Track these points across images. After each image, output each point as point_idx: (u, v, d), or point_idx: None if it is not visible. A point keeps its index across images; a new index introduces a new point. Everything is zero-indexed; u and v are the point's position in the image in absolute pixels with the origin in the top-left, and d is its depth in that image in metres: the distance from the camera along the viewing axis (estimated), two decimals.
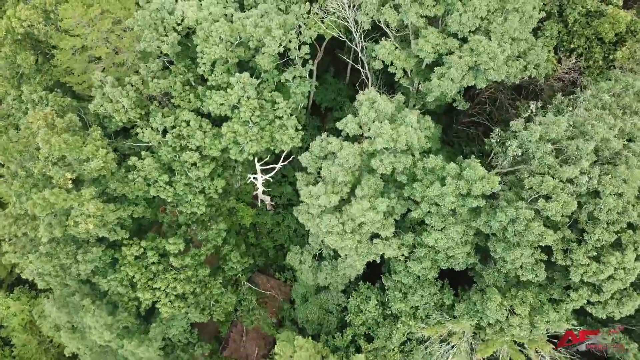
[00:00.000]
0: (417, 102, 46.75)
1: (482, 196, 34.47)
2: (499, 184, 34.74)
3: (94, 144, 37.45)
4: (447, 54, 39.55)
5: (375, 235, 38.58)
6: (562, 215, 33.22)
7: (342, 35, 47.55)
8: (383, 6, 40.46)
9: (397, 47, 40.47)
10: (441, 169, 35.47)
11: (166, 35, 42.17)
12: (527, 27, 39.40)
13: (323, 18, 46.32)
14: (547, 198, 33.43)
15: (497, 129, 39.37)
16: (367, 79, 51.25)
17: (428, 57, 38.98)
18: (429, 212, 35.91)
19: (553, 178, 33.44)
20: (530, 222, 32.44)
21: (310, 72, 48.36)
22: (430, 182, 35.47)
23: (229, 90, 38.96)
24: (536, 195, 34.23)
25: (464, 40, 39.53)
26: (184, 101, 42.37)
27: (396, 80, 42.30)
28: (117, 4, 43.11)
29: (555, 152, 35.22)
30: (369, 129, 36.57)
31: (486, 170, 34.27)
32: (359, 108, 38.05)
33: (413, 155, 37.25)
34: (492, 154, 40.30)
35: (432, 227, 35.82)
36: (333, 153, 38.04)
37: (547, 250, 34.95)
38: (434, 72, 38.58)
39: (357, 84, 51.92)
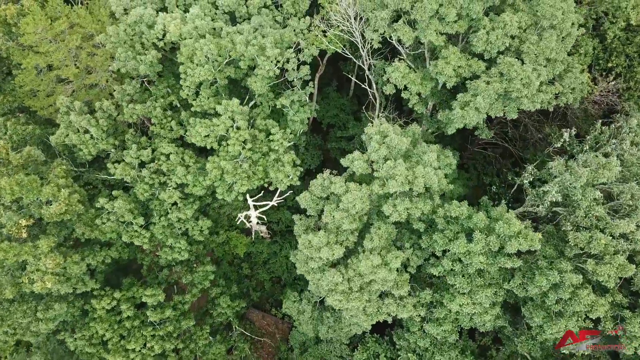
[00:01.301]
0: (430, 126, 40.95)
1: (517, 253, 28.66)
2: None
3: (55, 182, 31.68)
4: (471, 78, 33.78)
5: (387, 293, 32.79)
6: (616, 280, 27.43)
7: (347, 52, 41.77)
8: (395, 21, 34.68)
9: (412, 69, 34.66)
10: (467, 219, 29.64)
11: (145, 52, 36.41)
12: (564, 47, 33.54)
13: (325, 31, 40.61)
14: (597, 257, 27.62)
15: (529, 167, 33.50)
16: (375, 99, 45.49)
17: (449, 82, 33.16)
18: (451, 269, 30.09)
19: (603, 233, 27.62)
20: (578, 289, 26.63)
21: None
22: (453, 234, 29.66)
23: (214, 119, 33.15)
24: (581, 252, 28.45)
25: (490, 61, 33.76)
26: (165, 129, 36.58)
27: (410, 106, 36.50)
28: (88, 16, 37.37)
29: (603, 198, 29.44)
30: (380, 168, 30.80)
31: (522, 224, 28.38)
32: (367, 142, 32.28)
33: (432, 199, 31.44)
34: (524, 194, 34.54)
35: (456, 289, 29.96)
36: (335, 193, 32.30)
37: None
38: (456, 100, 32.74)
39: (364, 106, 46.21)
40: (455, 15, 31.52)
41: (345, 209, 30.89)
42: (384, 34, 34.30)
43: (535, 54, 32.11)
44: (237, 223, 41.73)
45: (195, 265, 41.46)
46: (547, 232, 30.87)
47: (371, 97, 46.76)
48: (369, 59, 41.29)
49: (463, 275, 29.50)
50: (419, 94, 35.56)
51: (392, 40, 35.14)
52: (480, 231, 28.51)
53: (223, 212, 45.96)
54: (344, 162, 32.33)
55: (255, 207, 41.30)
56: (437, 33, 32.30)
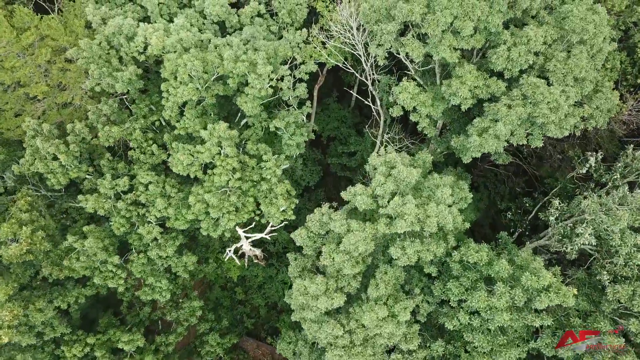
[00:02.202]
0: (439, 146, 37.02)
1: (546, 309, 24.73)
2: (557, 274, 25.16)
3: (17, 217, 27.80)
4: (489, 100, 29.87)
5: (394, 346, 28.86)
6: None
7: (348, 67, 37.90)
8: (402, 33, 30.76)
9: (421, 89, 30.72)
10: (486, 266, 25.71)
11: (123, 68, 32.50)
12: (594, 64, 29.60)
13: (324, 43, 36.73)
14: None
15: (556, 202, 29.51)
16: (379, 116, 41.58)
17: (464, 104, 29.24)
18: (469, 324, 26.13)
19: None
20: (619, 357, 22.73)
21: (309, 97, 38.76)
22: (471, 282, 25.73)
23: (198, 146, 29.24)
24: (619, 304, 24.55)
25: (510, 80, 29.84)
26: (146, 154, 32.67)
27: (419, 129, 32.57)
28: (60, 27, 33.46)
29: None
30: (386, 204, 26.91)
31: (552, 274, 24.40)
32: (371, 174, 28.38)
33: (445, 239, 27.52)
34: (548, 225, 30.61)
35: (475, 348, 25.99)
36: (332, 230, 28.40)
37: None
38: (472, 125, 28.80)
39: (367, 125, 42.28)
40: (471, 29, 27.61)
41: (346, 251, 27.00)
42: (390, 48, 30.37)
43: (563, 73, 28.18)
44: (225, 259, 37.76)
45: (181, 300, 37.55)
46: (578, 278, 26.94)
47: (375, 113, 42.90)
48: (373, 73, 37.42)
49: (482, 332, 25.54)
50: (429, 116, 31.62)
51: (400, 55, 31.24)
52: (503, 282, 24.57)
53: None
54: (344, 195, 28.40)
55: (247, 237, 37.41)
56: (451, 49, 28.36)
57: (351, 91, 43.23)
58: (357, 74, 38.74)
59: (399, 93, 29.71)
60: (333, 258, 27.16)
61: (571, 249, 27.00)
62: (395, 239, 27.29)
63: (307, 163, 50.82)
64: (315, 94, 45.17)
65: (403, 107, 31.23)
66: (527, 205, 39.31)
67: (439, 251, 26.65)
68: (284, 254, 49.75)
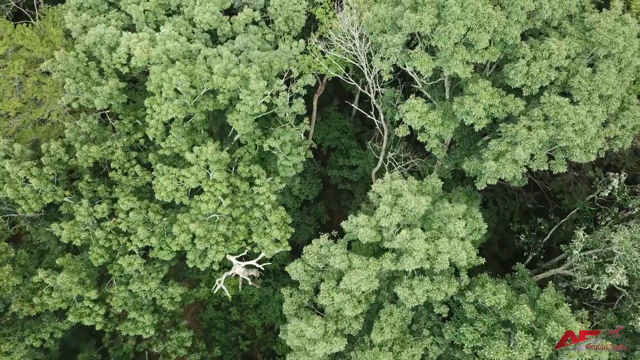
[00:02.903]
0: (447, 162, 34.19)
1: None
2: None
3: None
4: (506, 119, 27.05)
5: None
6: None
7: (350, 79, 35.08)
8: (409, 44, 27.87)
9: (430, 107, 27.87)
10: (505, 309, 22.87)
11: (103, 83, 29.69)
12: (622, 80, 26.72)
13: (324, 52, 33.94)
14: None
15: (581, 233, 26.62)
16: (382, 131, 38.77)
17: (478, 124, 26.42)
18: None
19: None
20: None
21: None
22: (487, 328, 22.89)
23: (183, 170, 26.42)
24: None
25: (529, 97, 27.00)
26: (128, 175, 29.87)
27: (428, 149, 29.74)
28: (36, 37, 30.66)
29: None
30: (392, 237, 24.11)
31: (581, 322, 21.54)
32: (375, 202, 25.55)
33: (458, 277, 24.69)
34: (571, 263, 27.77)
35: None
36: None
37: None
38: (487, 149, 25.94)
39: (370, 141, 39.48)
40: (487, 42, 24.78)
41: (347, 290, 24.19)
42: (396, 62, 27.54)
43: (588, 91, 25.34)
44: (214, 292, 34.92)
45: (168, 330, 34.72)
46: (607, 322, 24.12)
47: (378, 127, 40.08)
48: (376, 86, 34.62)
49: None
50: (438, 136, 28.78)
51: (406, 67, 28.39)
52: (524, 330, 21.73)
53: None
54: (345, 226, 25.58)
55: (239, 263, 34.53)
56: (463, 63, 25.53)
57: (353, 104, 40.38)
58: (358, 86, 35.89)
59: (406, 112, 26.87)
60: (332, 297, 24.36)
61: (598, 288, 24.16)
62: (402, 276, 24.48)
63: (306, 176, 48.11)
64: (314, 103, 42.51)
65: (410, 126, 28.36)
66: (543, 227, 36.49)
67: (450, 290, 23.85)
68: (281, 271, 46.98)
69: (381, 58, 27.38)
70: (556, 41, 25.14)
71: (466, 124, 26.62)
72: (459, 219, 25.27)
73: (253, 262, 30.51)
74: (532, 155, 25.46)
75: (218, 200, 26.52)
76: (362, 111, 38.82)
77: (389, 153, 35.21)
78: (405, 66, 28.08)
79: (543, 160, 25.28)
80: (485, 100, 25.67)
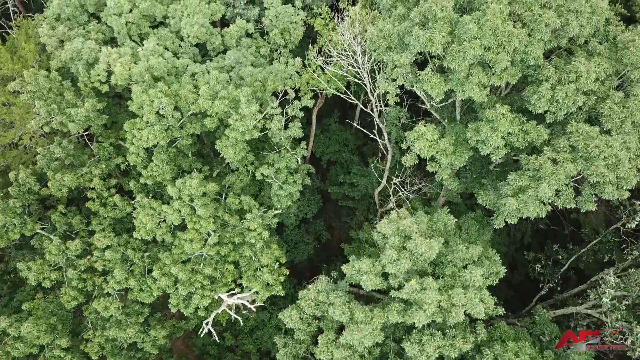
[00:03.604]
0: (457, 186, 31.22)
1: None
2: None
3: None
4: (525, 149, 24.15)
5: None
6: None
7: (351, 97, 32.18)
8: (415, 61, 24.93)
9: (441, 132, 24.97)
10: None
11: (78, 104, 26.83)
12: None
13: (323, 68, 31.09)
14: None
15: (612, 278, 23.70)
16: (386, 151, 35.90)
17: (495, 154, 23.54)
18: None
19: None
20: None
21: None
22: None
23: (164, 207, 23.55)
24: None
25: (552, 124, 24.11)
26: (107, 207, 27.01)
27: (438, 179, 26.84)
28: (6, 54, 27.81)
29: None
30: (399, 283, 21.24)
31: None
32: (380, 244, 22.66)
33: (474, 330, 21.80)
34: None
35: None
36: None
37: None
38: (506, 183, 23.01)
39: (374, 163, 36.54)
40: (507, 63, 21.90)
41: (349, 345, 21.31)
42: (403, 84, 24.63)
43: (621, 118, 22.45)
44: (201, 335, 32.04)
45: None
46: None
47: (381, 146, 37.20)
48: (380, 105, 31.74)
49: None
50: (450, 166, 25.86)
51: (415, 89, 25.47)
52: None
53: None
54: (346, 270, 22.69)
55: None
56: (479, 86, 22.64)
57: (354, 123, 37.51)
58: (360, 105, 33.01)
59: (414, 140, 23.98)
60: (332, 352, 21.51)
61: (633, 343, 21.25)
62: (410, 330, 21.60)
63: (304, 192, 45.38)
64: (314, 117, 39.85)
65: (419, 155, 25.46)
66: (561, 258, 33.59)
67: (466, 347, 20.97)
68: (277, 295, 44.32)
69: (386, 80, 24.45)
70: (584, 62, 22.26)
71: (482, 154, 23.73)
72: (474, 261, 22.45)
73: (245, 302, 27.66)
74: (557, 191, 22.54)
75: (204, 238, 23.64)
76: (364, 130, 35.92)
77: (394, 178, 32.31)
78: (412, 86, 25.19)
79: (570, 197, 22.37)
80: (504, 128, 22.79)
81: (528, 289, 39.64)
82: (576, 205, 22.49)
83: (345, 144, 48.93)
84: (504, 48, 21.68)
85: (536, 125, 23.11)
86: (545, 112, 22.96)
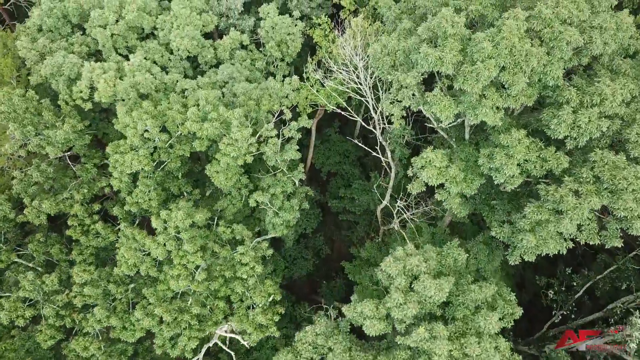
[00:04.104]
0: (465, 208, 29.14)
1: None
2: None
3: None
4: (544, 178, 22.11)
5: None
6: None
7: (353, 114, 30.18)
8: (424, 82, 22.84)
9: (450, 159, 22.92)
10: None
11: (57, 124, 24.80)
12: None
13: (323, 83, 29.09)
14: None
15: (638, 320, 21.64)
16: (389, 168, 33.90)
17: (510, 184, 21.51)
18: None
19: None
20: None
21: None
22: None
23: (147, 241, 21.50)
24: None
25: (571, 151, 22.09)
26: (88, 235, 24.98)
27: (446, 207, 24.76)
28: None
29: None
30: (406, 328, 19.22)
31: None
32: (384, 283, 20.62)
33: None
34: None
35: None
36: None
37: None
38: (524, 217, 20.94)
39: (377, 183, 34.54)
40: (524, 84, 19.88)
41: None
42: (409, 105, 22.58)
43: None
44: None
45: None
46: None
47: (384, 164, 35.19)
48: (383, 123, 29.72)
49: None
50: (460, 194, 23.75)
51: (424, 111, 23.40)
52: None
53: None
54: (348, 312, 20.63)
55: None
56: (493, 109, 20.60)
57: (355, 140, 35.47)
58: (361, 121, 30.99)
59: (420, 167, 21.93)
60: None
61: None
62: None
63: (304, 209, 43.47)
64: (313, 128, 37.99)
65: (426, 183, 23.36)
66: (575, 284, 31.55)
67: None
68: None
69: (391, 101, 22.42)
70: (609, 83, 20.22)
71: (495, 182, 21.69)
72: (488, 301, 20.42)
73: (238, 337, 25.61)
74: (579, 225, 20.51)
75: (191, 273, 21.61)
76: (365, 147, 33.87)
77: (398, 200, 30.25)
78: (419, 107, 23.14)
79: (594, 231, 20.33)
80: (520, 155, 20.76)
81: (537, 308, 37.69)
82: (600, 241, 20.44)
83: (346, 155, 47.20)
84: (521, 68, 19.65)
85: (555, 151, 21.07)
86: (565, 137, 20.92)
